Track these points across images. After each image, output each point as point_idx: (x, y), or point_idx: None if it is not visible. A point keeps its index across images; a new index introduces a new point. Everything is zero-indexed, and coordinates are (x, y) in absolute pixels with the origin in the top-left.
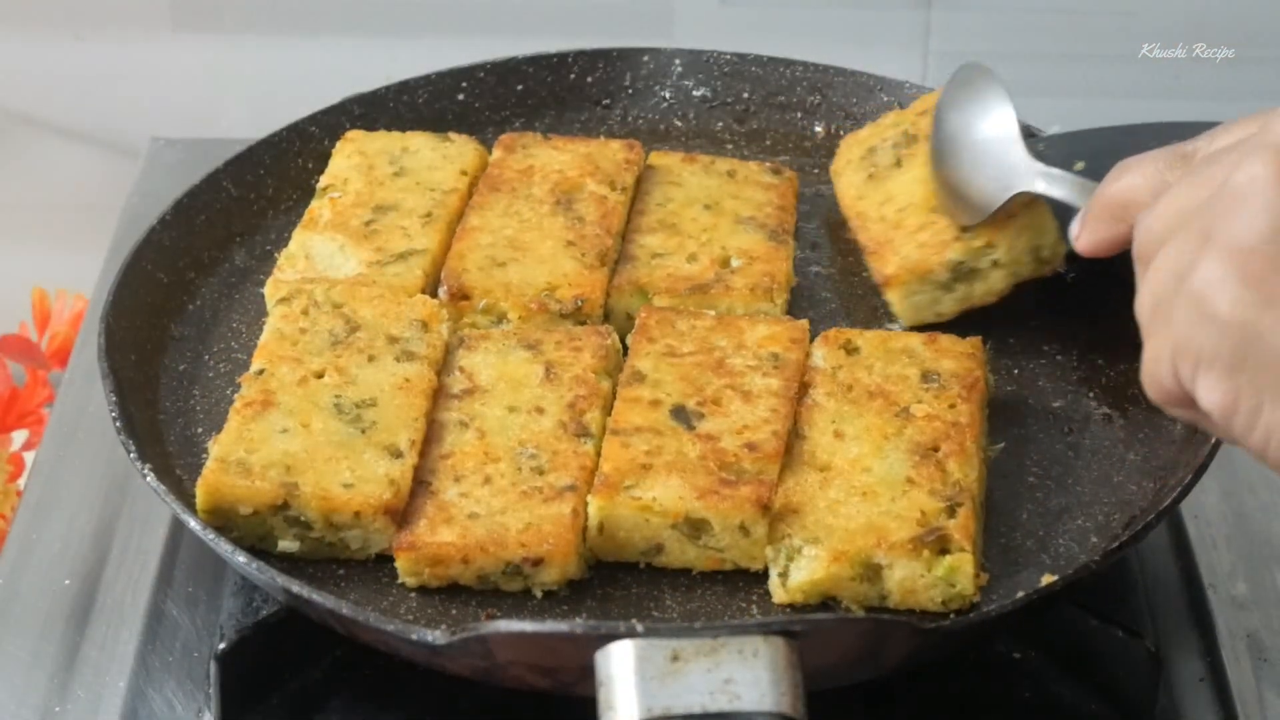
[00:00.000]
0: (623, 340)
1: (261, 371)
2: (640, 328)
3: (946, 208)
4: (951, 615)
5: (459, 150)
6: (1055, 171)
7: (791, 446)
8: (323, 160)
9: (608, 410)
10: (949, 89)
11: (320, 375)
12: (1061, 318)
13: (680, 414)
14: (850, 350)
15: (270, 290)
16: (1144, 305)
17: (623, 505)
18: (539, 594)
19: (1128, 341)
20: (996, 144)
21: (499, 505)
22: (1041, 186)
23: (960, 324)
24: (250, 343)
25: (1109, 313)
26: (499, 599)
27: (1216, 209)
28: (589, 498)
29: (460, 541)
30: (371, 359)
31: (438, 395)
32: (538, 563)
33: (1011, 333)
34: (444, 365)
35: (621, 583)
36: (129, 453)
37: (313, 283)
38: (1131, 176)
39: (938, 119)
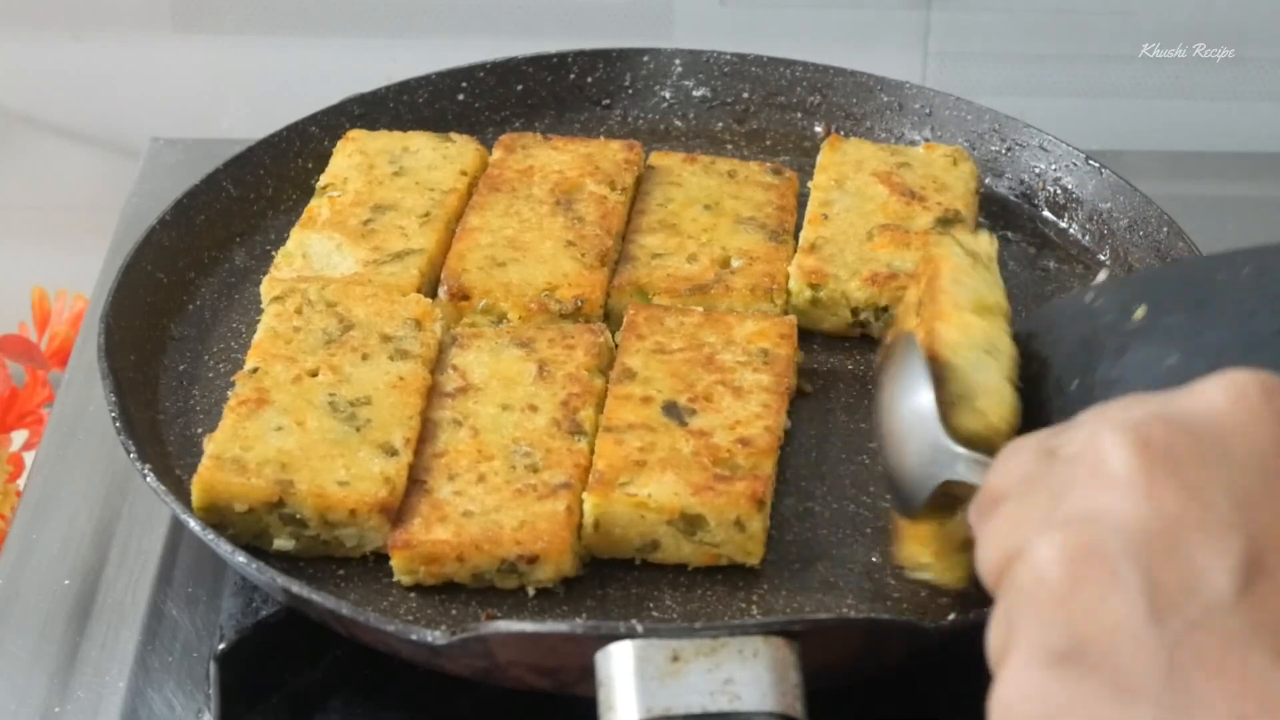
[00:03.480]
0: None
1: (255, 370)
2: (629, 325)
3: (891, 499)
4: (952, 616)
5: (459, 150)
6: (977, 456)
7: None
8: (323, 160)
9: (601, 408)
10: (883, 366)
11: (314, 374)
12: None
13: (672, 410)
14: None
15: (265, 289)
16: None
17: (618, 502)
18: (533, 591)
19: None
20: (918, 425)
21: (493, 503)
22: (963, 472)
23: None
24: (250, 343)
25: None
26: (498, 598)
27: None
28: (585, 495)
29: (455, 539)
30: (365, 357)
31: (431, 394)
32: (533, 560)
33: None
34: (437, 364)
35: (621, 582)
36: (129, 453)
37: (307, 281)
38: (1001, 468)
39: (874, 395)
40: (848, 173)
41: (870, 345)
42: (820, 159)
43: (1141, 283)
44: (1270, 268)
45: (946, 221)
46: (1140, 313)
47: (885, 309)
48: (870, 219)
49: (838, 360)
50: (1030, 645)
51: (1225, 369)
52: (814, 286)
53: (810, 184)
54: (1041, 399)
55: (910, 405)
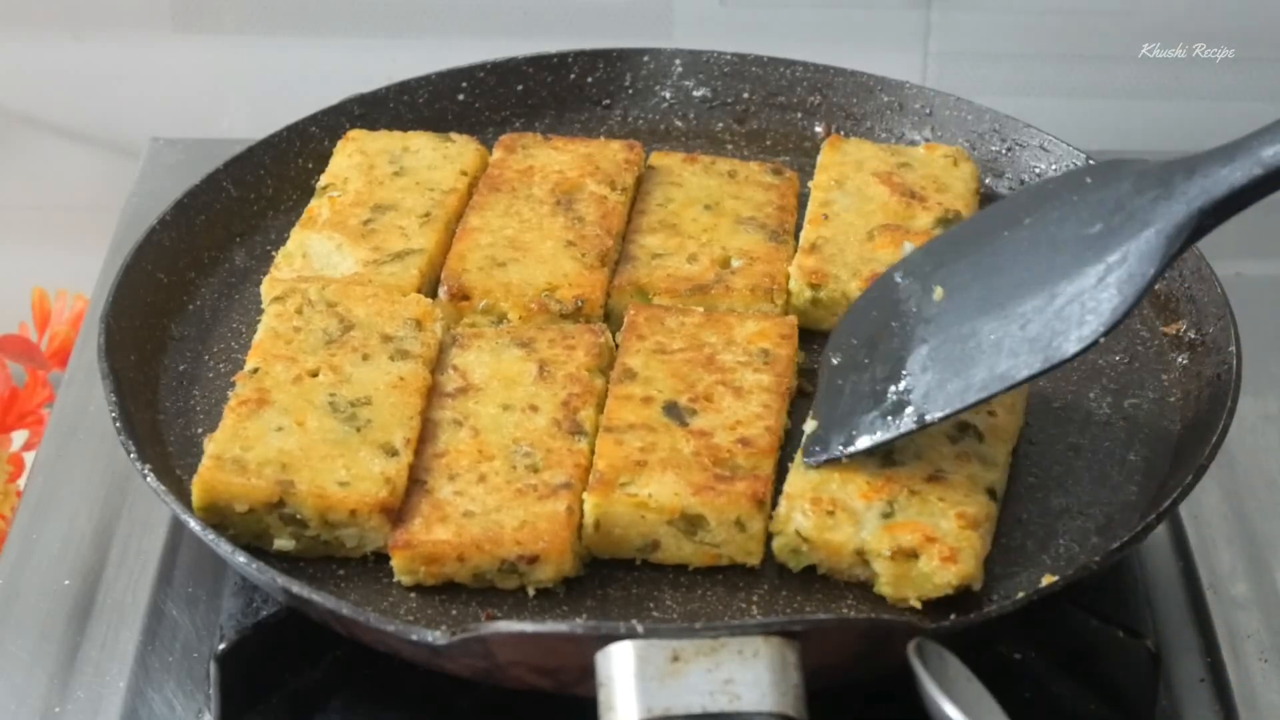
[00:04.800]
0: None
1: (256, 370)
2: (629, 325)
3: None
4: (952, 616)
5: (459, 150)
6: None
7: None
8: (323, 160)
9: (602, 408)
10: None
11: (315, 374)
12: None
13: (673, 410)
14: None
15: (266, 289)
16: None
17: (619, 502)
18: (533, 591)
19: (1128, 342)
20: None
21: (494, 503)
22: None
23: None
24: (250, 343)
25: None
26: (498, 599)
27: None
28: (585, 495)
29: (456, 539)
30: (366, 358)
31: (431, 394)
32: (533, 560)
33: None
34: (438, 364)
35: (621, 582)
36: (129, 453)
37: (307, 281)
38: None
39: None
40: (848, 173)
41: None
42: (821, 159)
43: (937, 258)
44: (1046, 216)
45: (947, 221)
46: (938, 294)
47: None
48: (870, 219)
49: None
50: None
51: None
52: (814, 286)
53: (810, 184)
54: (854, 385)
55: None
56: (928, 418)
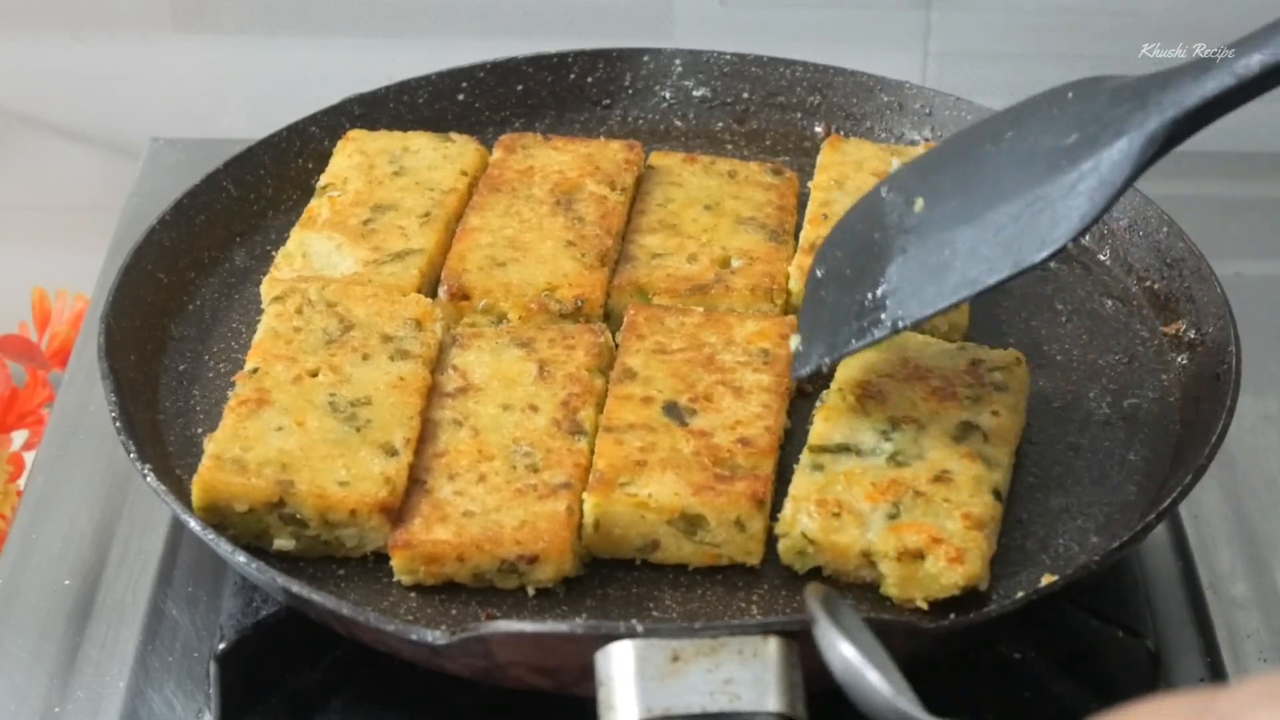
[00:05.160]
0: None
1: (256, 370)
2: (629, 325)
3: None
4: (952, 616)
5: (459, 150)
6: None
7: None
8: (323, 160)
9: (601, 408)
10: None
11: (315, 374)
12: (1061, 318)
13: (672, 410)
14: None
15: (266, 288)
16: None
17: (619, 502)
18: (533, 591)
19: (1128, 342)
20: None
21: (494, 503)
22: None
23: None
24: (250, 343)
25: (1109, 313)
26: (498, 598)
27: None
28: (585, 495)
29: (455, 539)
30: (366, 358)
31: (431, 394)
32: (533, 560)
33: (1011, 333)
34: (438, 364)
35: (621, 582)
36: (129, 453)
37: (307, 281)
38: None
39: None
40: (848, 173)
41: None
42: (821, 159)
43: (921, 172)
44: (1029, 131)
45: None
46: (919, 205)
47: None
48: None
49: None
50: None
51: (1257, 692)
52: None
53: (810, 184)
54: (836, 296)
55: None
56: (901, 324)
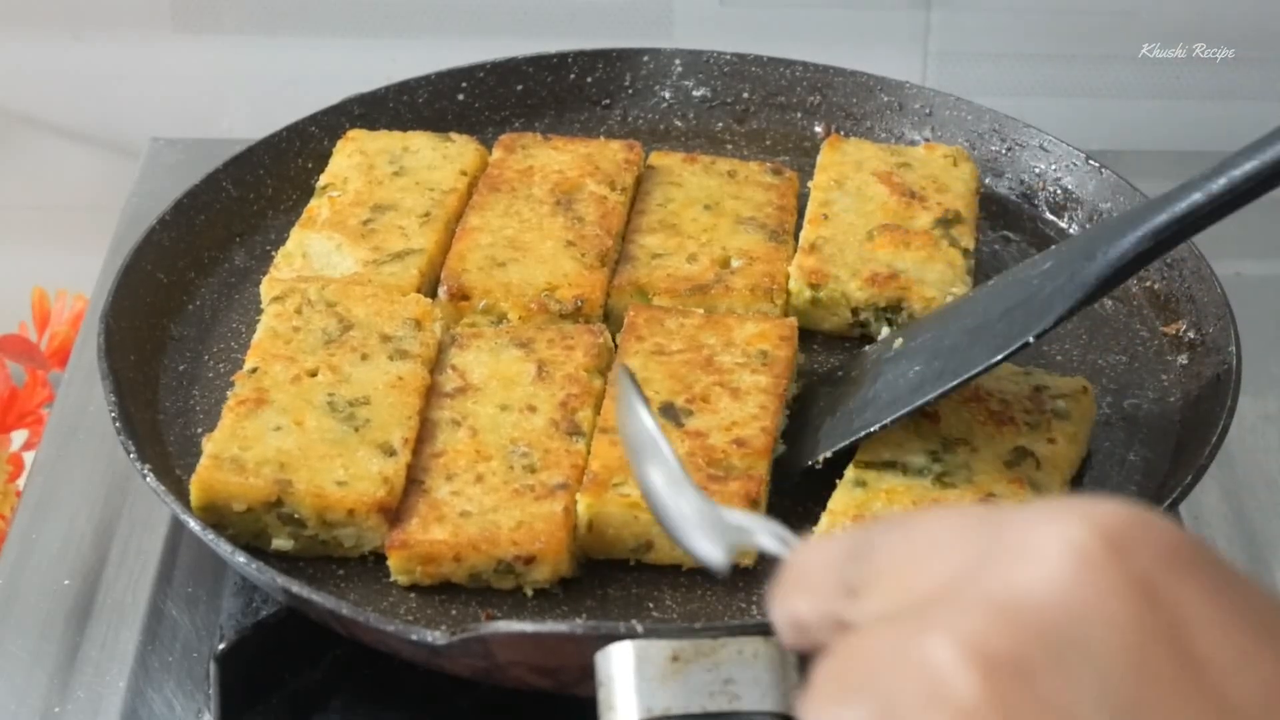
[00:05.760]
0: None
1: (255, 369)
2: (629, 326)
3: None
4: None
5: (459, 150)
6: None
7: None
8: (323, 160)
9: (600, 409)
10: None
11: (314, 373)
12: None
13: (669, 411)
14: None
15: (265, 288)
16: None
17: (611, 503)
18: (530, 592)
19: (1128, 342)
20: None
21: (491, 503)
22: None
23: None
24: (250, 343)
25: (1109, 313)
26: (498, 598)
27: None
28: (578, 496)
29: (452, 540)
30: (365, 357)
31: (430, 393)
32: (529, 561)
33: None
34: (437, 364)
35: (621, 582)
36: (129, 453)
37: (307, 281)
38: (797, 603)
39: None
40: (848, 173)
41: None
42: (820, 159)
43: (906, 325)
44: (1010, 274)
45: (947, 222)
46: (899, 343)
47: (885, 309)
48: (870, 219)
49: (838, 361)
50: None
51: (1045, 511)
52: (814, 286)
53: (810, 184)
54: (812, 426)
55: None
56: (873, 427)
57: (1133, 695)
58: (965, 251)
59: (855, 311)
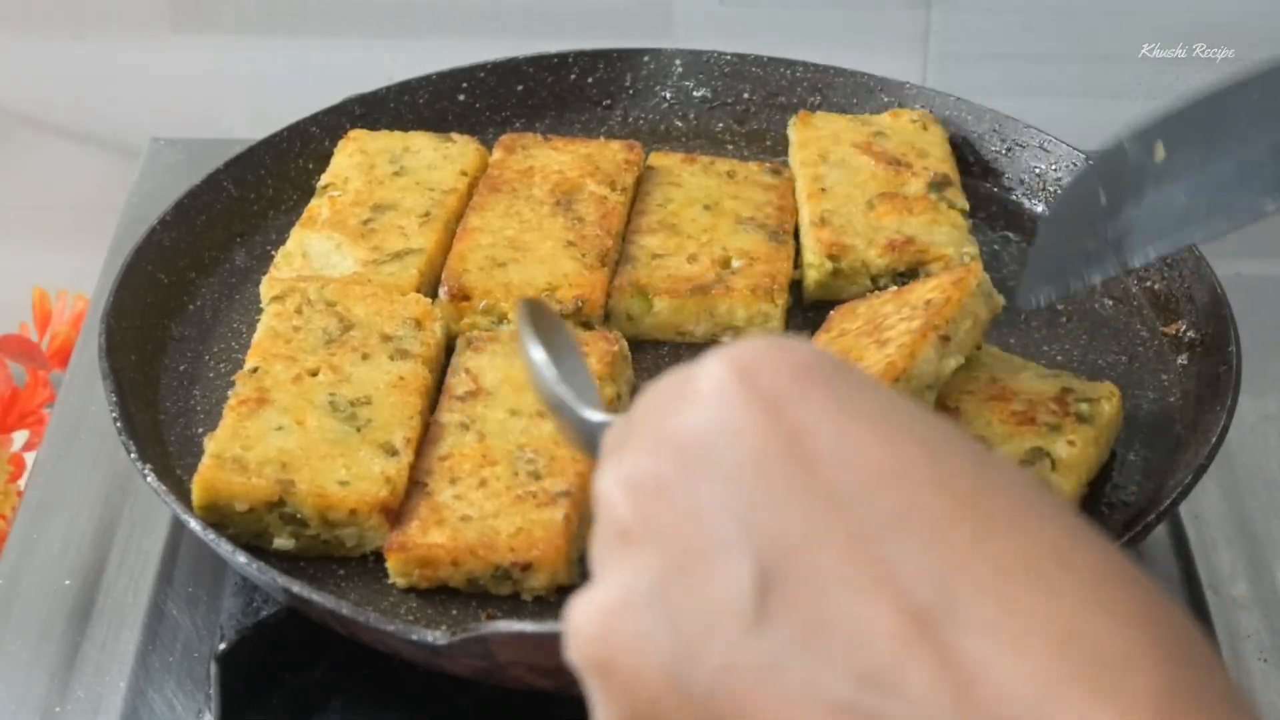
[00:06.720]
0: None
1: (256, 369)
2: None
3: None
4: None
5: (459, 150)
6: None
7: None
8: (323, 160)
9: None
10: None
11: (314, 373)
12: (1061, 318)
13: None
14: None
15: (265, 288)
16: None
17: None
18: (529, 599)
19: (1128, 342)
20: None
21: (492, 509)
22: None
23: None
24: (250, 343)
25: (1109, 313)
26: (498, 598)
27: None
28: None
29: (450, 544)
30: (365, 357)
31: (441, 396)
32: (526, 567)
33: (1011, 333)
34: (449, 366)
35: None
36: (129, 453)
37: (307, 281)
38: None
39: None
40: (828, 146)
41: None
42: (795, 136)
43: (1164, 120)
44: (1272, 87)
45: (938, 185)
46: (1160, 153)
47: (903, 274)
48: (866, 189)
49: None
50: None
51: (706, 358)
52: (834, 258)
53: (792, 162)
54: (1067, 239)
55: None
56: (1131, 262)
57: (752, 494)
58: (963, 211)
59: (875, 279)
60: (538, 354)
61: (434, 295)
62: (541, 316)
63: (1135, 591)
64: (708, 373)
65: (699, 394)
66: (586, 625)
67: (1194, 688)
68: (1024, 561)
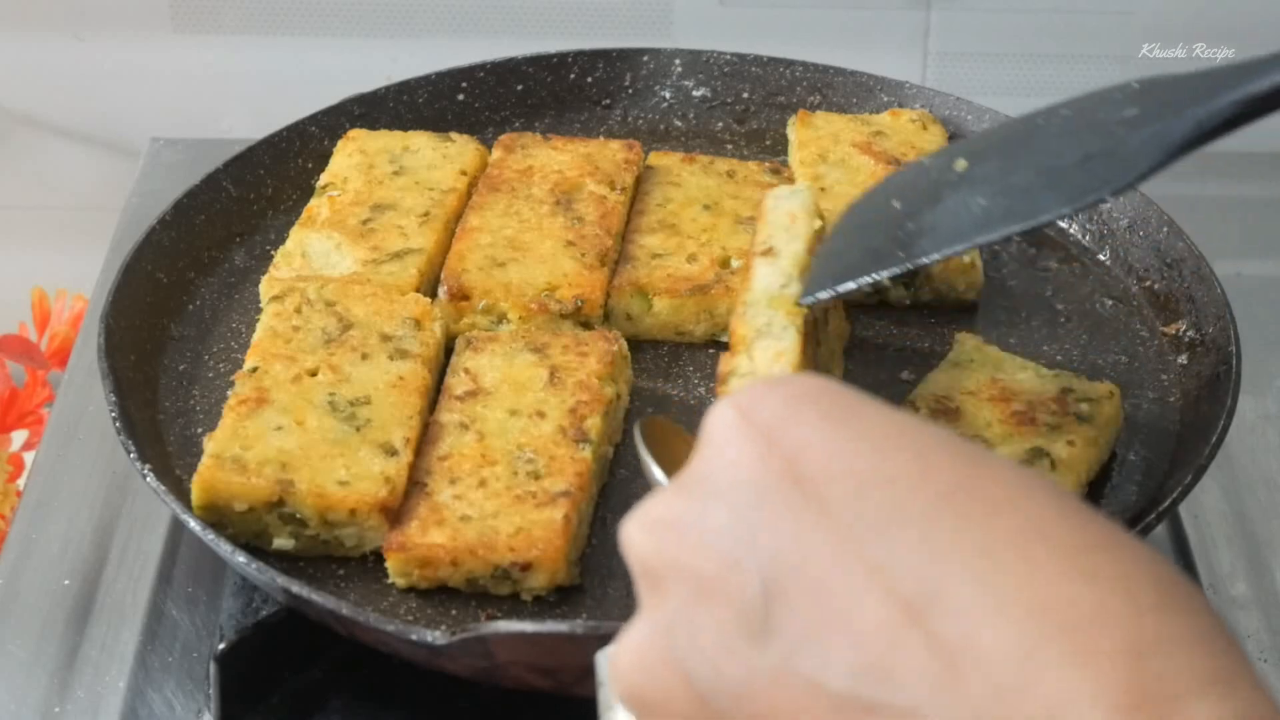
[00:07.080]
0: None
1: (255, 369)
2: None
3: None
4: None
5: (459, 150)
6: None
7: None
8: (323, 160)
9: (609, 416)
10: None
11: (314, 373)
12: (1061, 318)
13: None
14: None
15: (264, 288)
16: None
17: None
18: (528, 599)
19: (1128, 342)
20: None
21: (491, 509)
22: None
23: (957, 323)
24: (250, 343)
25: (1109, 313)
26: (498, 598)
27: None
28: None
29: (450, 544)
30: (365, 357)
31: (441, 396)
32: (526, 568)
33: (1011, 333)
34: (449, 366)
35: (621, 582)
36: (129, 453)
37: (306, 281)
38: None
39: None
40: (827, 146)
41: (887, 312)
42: (795, 136)
43: (968, 141)
44: (1085, 108)
45: None
46: (961, 165)
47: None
48: (865, 188)
49: (855, 329)
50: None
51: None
52: None
53: (792, 161)
54: (869, 240)
55: None
56: (919, 259)
57: (752, 518)
58: None
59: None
60: (659, 475)
61: (433, 295)
62: (657, 434)
63: (1117, 555)
64: (715, 419)
65: (709, 439)
66: (624, 661)
67: (1169, 637)
68: (1005, 540)
